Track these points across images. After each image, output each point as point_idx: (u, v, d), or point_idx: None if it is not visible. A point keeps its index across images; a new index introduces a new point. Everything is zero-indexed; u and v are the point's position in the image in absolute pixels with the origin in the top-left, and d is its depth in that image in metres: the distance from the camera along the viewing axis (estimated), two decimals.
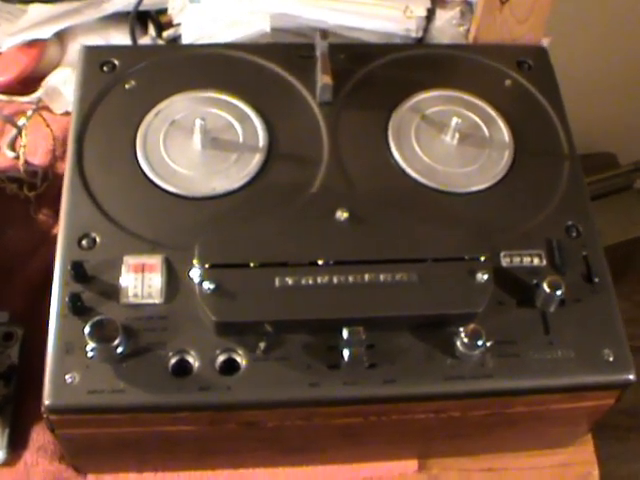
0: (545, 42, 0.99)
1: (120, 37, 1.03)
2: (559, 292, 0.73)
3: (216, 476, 0.85)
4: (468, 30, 0.99)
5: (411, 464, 0.86)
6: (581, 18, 1.46)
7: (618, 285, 1.82)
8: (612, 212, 1.65)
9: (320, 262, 0.73)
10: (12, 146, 0.96)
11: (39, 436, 0.83)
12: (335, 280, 0.72)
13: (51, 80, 1.00)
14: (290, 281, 0.72)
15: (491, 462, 0.87)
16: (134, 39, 0.97)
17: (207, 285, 0.71)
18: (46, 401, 0.70)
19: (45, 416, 0.71)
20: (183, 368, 0.71)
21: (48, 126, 0.97)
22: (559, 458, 0.88)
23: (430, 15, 1.00)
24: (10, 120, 0.95)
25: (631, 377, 0.74)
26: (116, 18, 1.03)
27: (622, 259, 1.74)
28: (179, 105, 0.85)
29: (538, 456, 0.88)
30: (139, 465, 0.83)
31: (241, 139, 0.83)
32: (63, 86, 0.98)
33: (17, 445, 0.83)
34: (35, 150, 0.99)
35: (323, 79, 0.85)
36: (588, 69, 1.55)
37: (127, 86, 0.86)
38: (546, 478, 0.88)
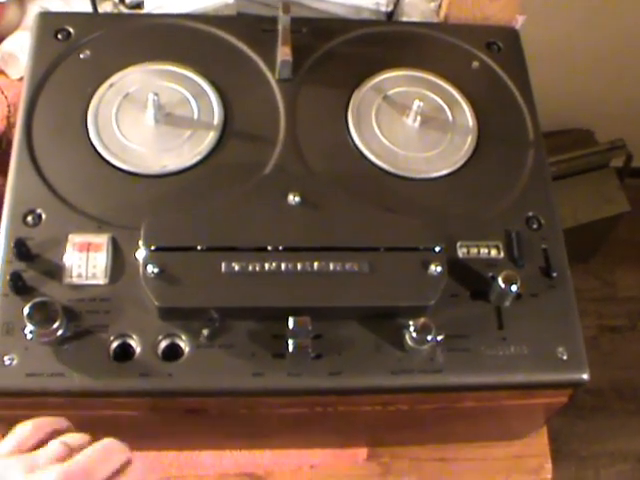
0: (520, 20, 0.96)
1: (83, 1, 0.99)
2: (514, 287, 0.71)
3: (161, 456, 0.84)
4: (440, 6, 0.96)
5: (361, 452, 0.85)
6: None
7: (590, 263, 1.81)
8: (587, 190, 1.64)
9: (269, 247, 0.71)
10: None
11: None
12: (283, 267, 0.70)
13: (7, 44, 0.96)
14: (237, 267, 0.70)
15: (443, 452, 0.86)
16: (94, 4, 0.93)
17: (151, 268, 0.69)
18: None
19: None
20: (125, 352, 0.69)
21: (2, 92, 0.93)
22: (512, 450, 0.87)
23: None
24: None
25: (584, 376, 0.72)
26: None
27: (595, 237, 1.73)
28: (134, 77, 0.82)
29: (491, 447, 0.87)
30: None
31: (196, 115, 0.80)
32: (20, 51, 0.94)
33: None
34: None
35: (282, 54, 0.82)
36: (568, 46, 1.53)
37: (82, 55, 0.83)
38: (498, 470, 0.87)
